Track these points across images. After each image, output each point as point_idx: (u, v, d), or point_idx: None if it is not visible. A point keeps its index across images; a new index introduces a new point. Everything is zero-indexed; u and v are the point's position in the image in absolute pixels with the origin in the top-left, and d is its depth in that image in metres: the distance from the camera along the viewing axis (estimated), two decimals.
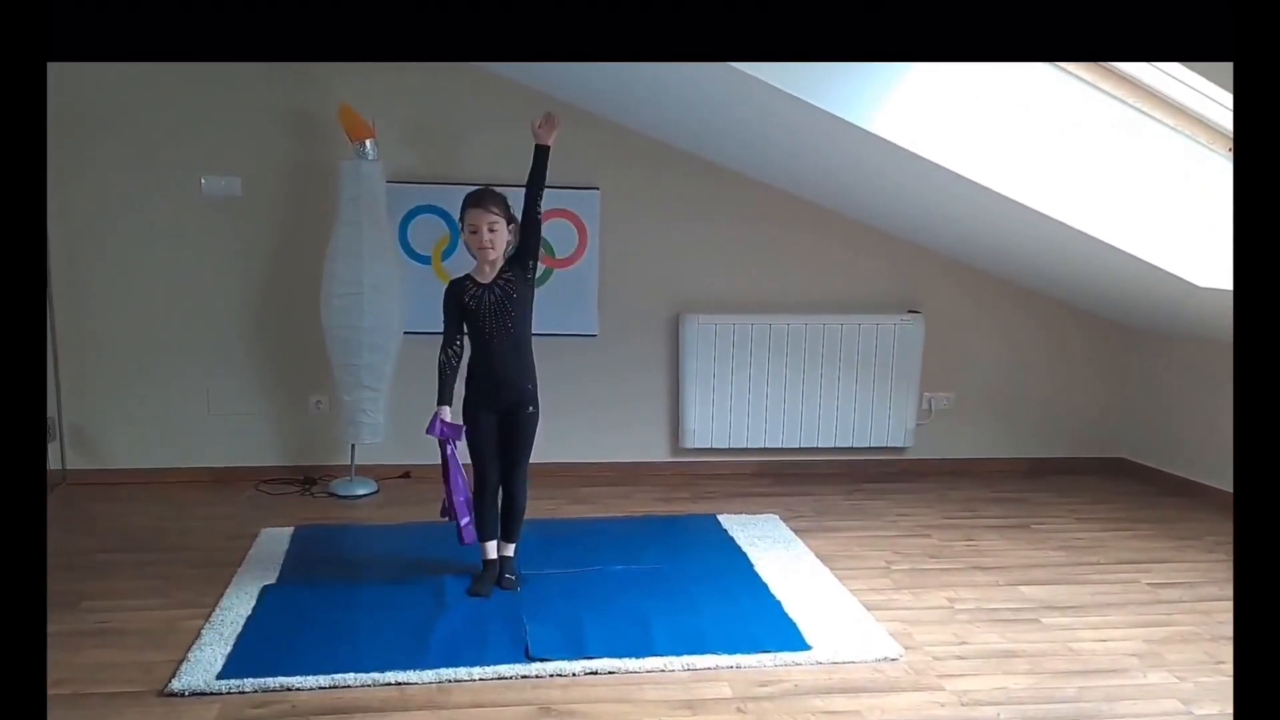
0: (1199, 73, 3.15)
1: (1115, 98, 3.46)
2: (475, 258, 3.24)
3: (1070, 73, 3.40)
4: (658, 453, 4.99)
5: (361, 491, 4.50)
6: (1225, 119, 3.50)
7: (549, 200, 4.63)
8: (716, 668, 2.77)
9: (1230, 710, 2.58)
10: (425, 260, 4.62)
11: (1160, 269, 3.80)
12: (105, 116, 4.34)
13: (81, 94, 4.26)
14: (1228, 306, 3.86)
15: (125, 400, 4.57)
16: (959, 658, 2.90)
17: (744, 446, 4.95)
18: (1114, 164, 3.61)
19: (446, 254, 4.60)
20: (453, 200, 4.49)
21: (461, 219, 3.22)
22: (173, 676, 2.63)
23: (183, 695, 2.54)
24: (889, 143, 3.43)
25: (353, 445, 4.49)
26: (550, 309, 4.70)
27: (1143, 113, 3.50)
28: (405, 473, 4.75)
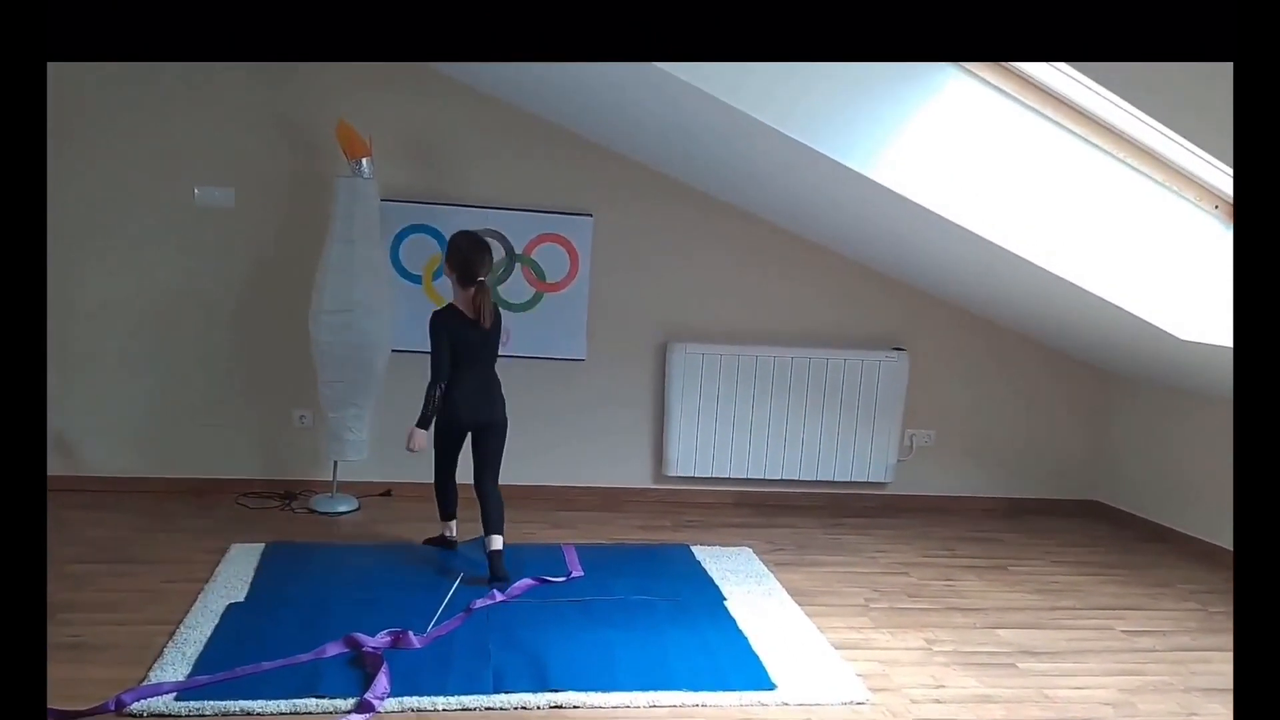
0: (1189, 135, 3.15)
1: (1107, 152, 3.51)
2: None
3: (1065, 127, 3.44)
4: (640, 479, 4.98)
5: (342, 508, 4.49)
6: (1214, 177, 3.54)
7: (541, 225, 4.67)
8: (682, 705, 2.76)
9: None
10: (416, 280, 4.63)
11: (1145, 321, 3.82)
12: (100, 122, 4.35)
13: (77, 98, 4.27)
14: (1209, 359, 3.88)
15: (107, 407, 4.55)
16: (936, 701, 2.89)
17: (727, 476, 4.94)
18: (1104, 217, 3.64)
19: (438, 274, 4.61)
20: (446, 221, 4.53)
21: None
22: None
23: (141, 717, 2.52)
24: (886, 189, 3.46)
25: (335, 461, 4.48)
26: (539, 333, 4.72)
27: (1134, 168, 3.54)
28: (387, 490, 4.73)
